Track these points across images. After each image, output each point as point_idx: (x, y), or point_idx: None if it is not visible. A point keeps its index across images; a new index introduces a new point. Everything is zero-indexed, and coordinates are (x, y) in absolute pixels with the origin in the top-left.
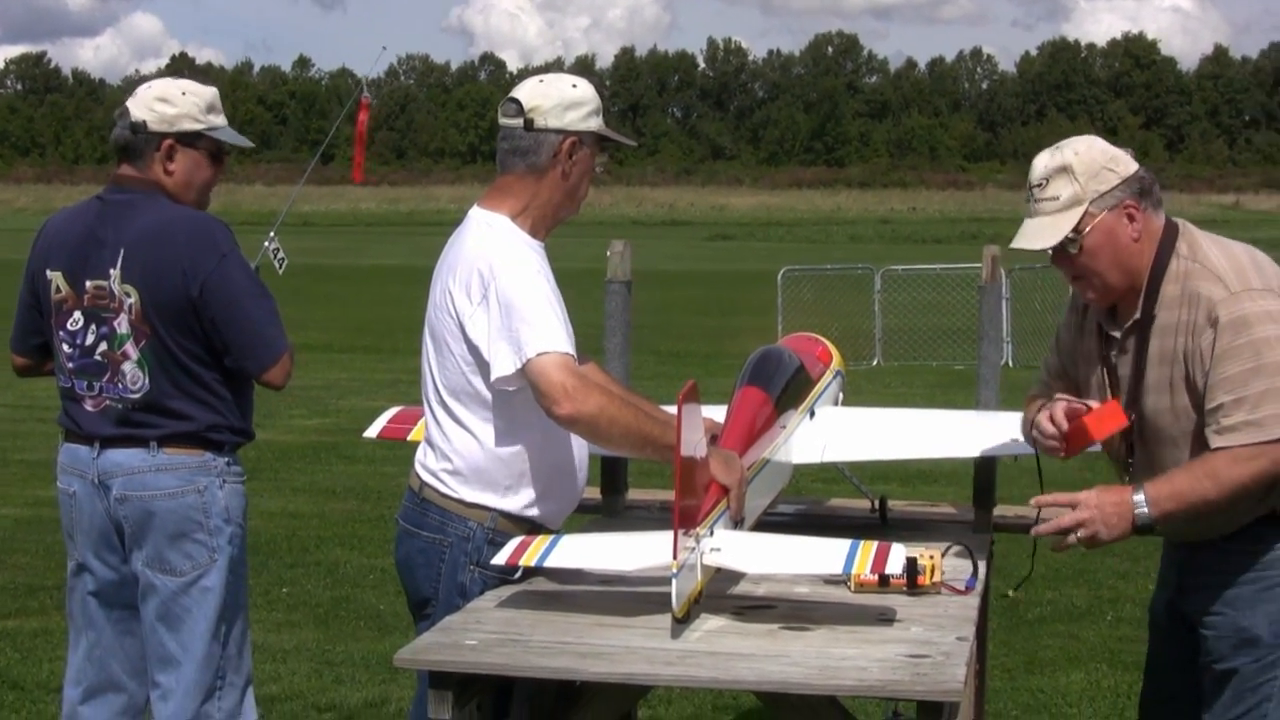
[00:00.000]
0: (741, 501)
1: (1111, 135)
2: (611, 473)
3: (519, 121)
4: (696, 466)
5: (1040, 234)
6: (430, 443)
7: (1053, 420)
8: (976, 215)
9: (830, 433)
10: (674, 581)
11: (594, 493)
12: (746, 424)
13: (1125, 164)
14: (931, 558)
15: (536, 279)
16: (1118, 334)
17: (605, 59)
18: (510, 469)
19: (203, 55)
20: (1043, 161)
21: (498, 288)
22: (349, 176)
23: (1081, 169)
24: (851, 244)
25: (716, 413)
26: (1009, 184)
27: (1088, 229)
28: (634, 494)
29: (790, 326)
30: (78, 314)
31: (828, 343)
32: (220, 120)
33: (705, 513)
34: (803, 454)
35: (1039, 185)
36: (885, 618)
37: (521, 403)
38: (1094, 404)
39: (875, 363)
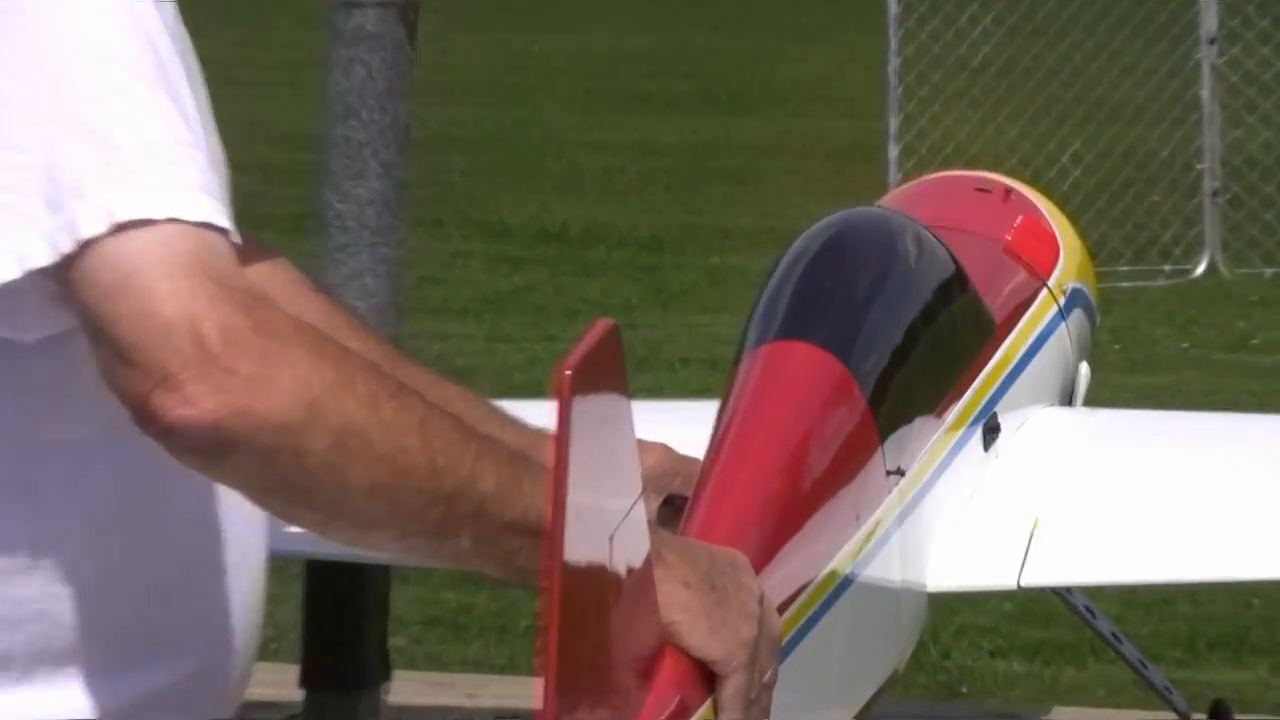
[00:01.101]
0: (762, 713)
1: None
2: (339, 611)
3: None
4: (617, 598)
5: None
6: None
7: None
8: None
9: (1049, 489)
10: None
11: (279, 676)
12: (777, 466)
13: None
14: None
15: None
16: None
17: None
18: (28, 604)
19: None
20: None
21: (8, 20)
22: None
23: None
24: None
25: (688, 425)
26: None
27: None
28: (402, 683)
29: (927, 162)
30: None
31: (1044, 207)
32: None
33: None
34: (966, 564)
35: None
36: None
37: (62, 388)
38: None
39: (1201, 267)
